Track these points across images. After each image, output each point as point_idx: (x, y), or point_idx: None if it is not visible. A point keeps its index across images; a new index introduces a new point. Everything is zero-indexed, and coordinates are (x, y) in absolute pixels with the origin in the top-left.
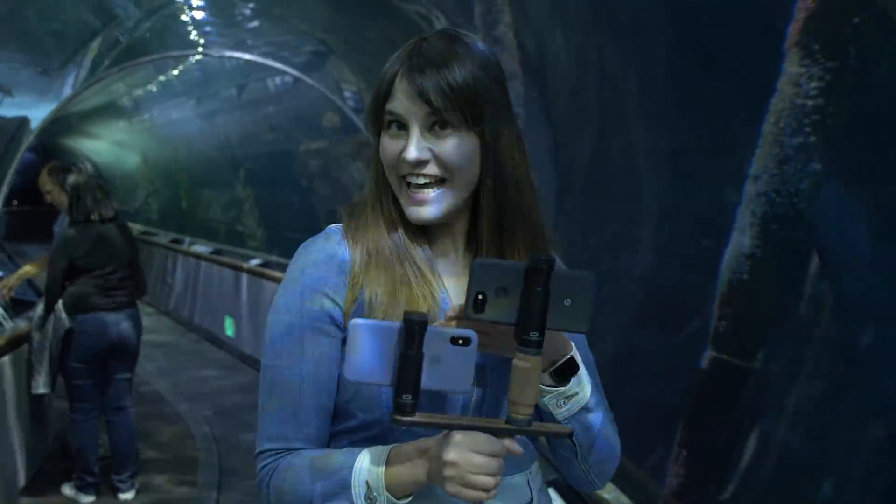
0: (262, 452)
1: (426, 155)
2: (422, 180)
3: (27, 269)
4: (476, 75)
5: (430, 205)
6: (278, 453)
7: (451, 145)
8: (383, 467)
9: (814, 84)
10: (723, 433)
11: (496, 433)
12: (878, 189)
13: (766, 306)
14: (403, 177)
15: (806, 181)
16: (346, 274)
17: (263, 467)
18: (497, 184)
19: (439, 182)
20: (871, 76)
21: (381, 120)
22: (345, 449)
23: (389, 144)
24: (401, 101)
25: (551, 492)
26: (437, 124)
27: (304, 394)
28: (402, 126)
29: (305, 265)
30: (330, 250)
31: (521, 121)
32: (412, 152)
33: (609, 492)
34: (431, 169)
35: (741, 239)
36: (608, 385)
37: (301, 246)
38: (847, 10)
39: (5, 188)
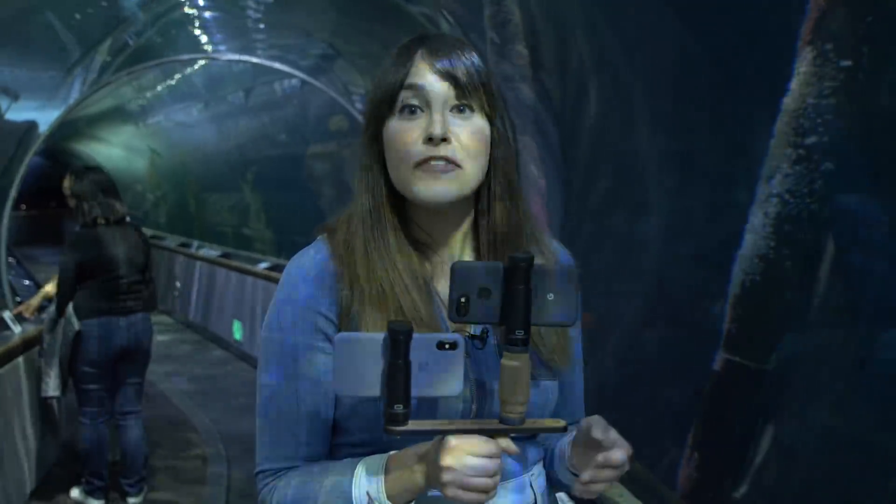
0: (261, 472)
1: (449, 133)
2: (441, 162)
3: (48, 289)
4: (486, 64)
5: (445, 182)
6: (278, 473)
7: (473, 128)
8: (383, 476)
9: (827, 83)
10: (735, 435)
11: (490, 434)
12: (893, 189)
13: (778, 308)
14: (418, 164)
15: (819, 182)
16: (338, 292)
17: (264, 486)
18: (504, 175)
19: (455, 166)
20: (885, 75)
21: (393, 107)
22: (344, 460)
23: (405, 129)
24: (424, 80)
25: (563, 496)
26: (457, 108)
27: (301, 413)
28: (419, 110)
29: (297, 282)
30: (320, 267)
31: (530, 121)
32: (437, 127)
33: (620, 495)
34: (450, 151)
35: (754, 240)
36: (619, 387)
37: (290, 261)
38: (860, 9)
39: (14, 192)
